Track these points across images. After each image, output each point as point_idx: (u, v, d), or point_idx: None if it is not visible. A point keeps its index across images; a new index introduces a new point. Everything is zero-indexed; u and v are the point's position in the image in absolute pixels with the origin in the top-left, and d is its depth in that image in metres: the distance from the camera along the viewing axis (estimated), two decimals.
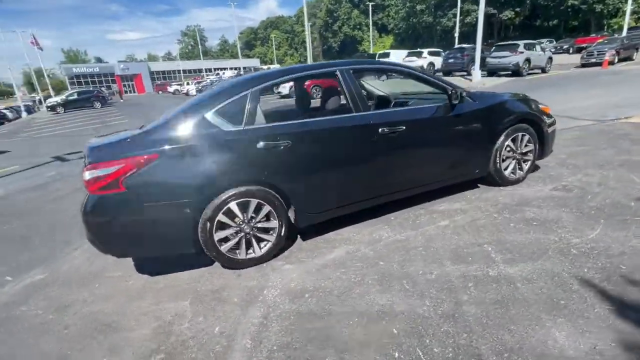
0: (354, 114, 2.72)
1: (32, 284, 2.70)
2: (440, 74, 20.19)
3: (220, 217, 2.35)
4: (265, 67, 48.40)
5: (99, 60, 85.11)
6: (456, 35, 34.11)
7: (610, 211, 2.76)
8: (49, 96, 34.32)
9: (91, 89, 30.17)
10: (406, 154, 2.91)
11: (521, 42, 16.07)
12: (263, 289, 2.28)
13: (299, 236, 2.93)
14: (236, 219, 2.42)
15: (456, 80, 16.00)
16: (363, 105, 2.77)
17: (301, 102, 3.73)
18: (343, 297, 2.11)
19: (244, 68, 43.29)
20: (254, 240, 2.52)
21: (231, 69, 45.23)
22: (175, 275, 2.56)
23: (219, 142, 2.35)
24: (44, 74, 42.91)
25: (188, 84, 36.85)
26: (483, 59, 16.39)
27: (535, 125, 3.42)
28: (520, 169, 3.51)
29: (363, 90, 3.20)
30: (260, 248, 2.56)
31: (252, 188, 2.41)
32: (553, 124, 3.61)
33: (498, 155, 3.29)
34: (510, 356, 1.57)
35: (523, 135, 3.36)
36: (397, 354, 1.66)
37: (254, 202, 2.43)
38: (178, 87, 37.91)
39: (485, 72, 16.53)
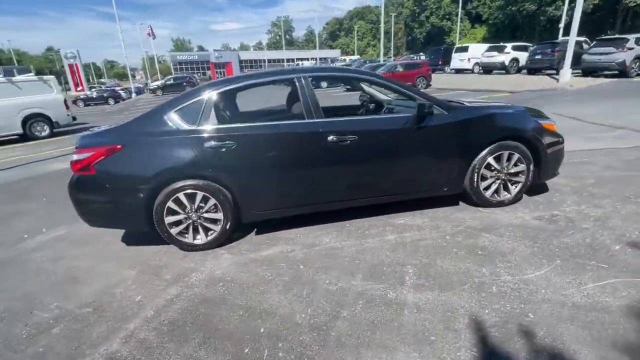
0: (304, 121, 2.82)
1: (53, 238, 3.46)
2: (524, 72, 17.98)
3: (170, 204, 2.72)
4: (346, 58, 48.69)
5: (200, 48, 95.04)
6: (561, 26, 29.51)
7: (577, 252, 2.39)
8: (157, 80, 39.93)
9: (184, 75, 34.14)
10: (358, 164, 2.90)
11: (632, 37, 13.35)
12: (193, 272, 2.60)
13: (256, 230, 3.17)
14: (185, 208, 2.76)
15: (541, 80, 14.15)
16: (316, 112, 2.84)
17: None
18: (246, 291, 2.31)
19: (322, 59, 44.12)
20: (200, 228, 2.85)
21: (311, 59, 46.54)
22: (142, 248, 3.03)
23: (174, 140, 2.70)
24: (155, 60, 49.82)
25: None
26: (579, 56, 14.12)
27: (530, 144, 3.04)
28: (507, 190, 3.18)
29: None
30: (207, 236, 2.87)
31: (199, 182, 2.72)
32: (558, 143, 3.17)
33: (475, 174, 3.03)
34: None
35: (511, 154, 3.03)
36: (247, 350, 1.81)
37: (200, 194, 2.74)
38: None
39: (580, 72, 14.24)
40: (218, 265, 2.67)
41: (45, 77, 11.50)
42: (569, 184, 3.58)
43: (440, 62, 23.06)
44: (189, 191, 2.72)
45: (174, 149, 2.70)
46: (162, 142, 2.70)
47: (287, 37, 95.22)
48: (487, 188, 3.14)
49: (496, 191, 3.17)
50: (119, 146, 2.67)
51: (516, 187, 3.18)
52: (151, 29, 44.60)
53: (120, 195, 2.70)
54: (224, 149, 2.70)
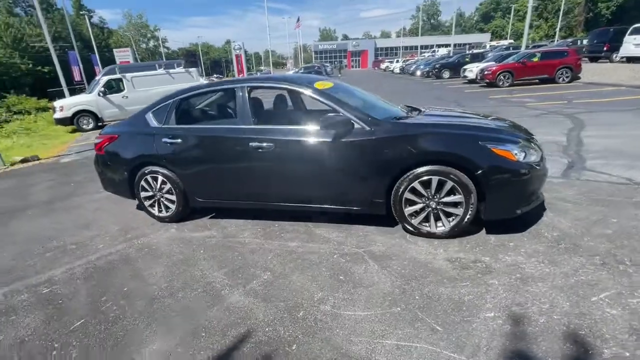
0: (234, 126, 3.18)
1: (104, 196, 4.89)
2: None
3: (142, 183, 3.57)
4: (495, 43, 42.74)
5: (345, 37, 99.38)
6: None
7: (432, 306, 2.03)
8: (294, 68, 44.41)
9: (314, 64, 36.77)
10: (276, 171, 3.08)
11: None
12: (143, 236, 3.40)
13: (213, 214, 3.76)
14: (153, 188, 3.57)
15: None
16: (246, 119, 3.14)
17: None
18: (154, 259, 2.94)
19: (460, 45, 40.00)
20: (163, 205, 3.61)
21: (445, 46, 42.80)
22: (139, 214, 4.03)
23: (146, 134, 3.51)
24: (300, 50, 55.16)
25: (397, 61, 38.31)
26: None
27: (470, 173, 2.57)
28: (441, 222, 2.77)
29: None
30: (167, 212, 3.62)
31: (159, 169, 3.46)
32: (517, 175, 2.56)
33: (397, 197, 2.78)
34: None
35: (442, 181, 2.64)
36: (108, 298, 2.45)
37: (160, 178, 3.48)
38: (389, 64, 40.09)
39: None
40: (161, 235, 3.39)
41: (190, 69, 14.72)
42: (563, 230, 2.78)
43: (605, 48, 17.86)
44: (154, 175, 3.50)
45: (145, 141, 3.50)
46: (138, 134, 3.54)
47: (432, 21, 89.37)
48: (415, 214, 2.82)
49: (427, 220, 2.81)
50: (115, 136, 3.65)
51: (453, 219, 2.73)
52: (299, 20, 49.69)
53: (115, 171, 3.70)
54: (174, 145, 3.35)
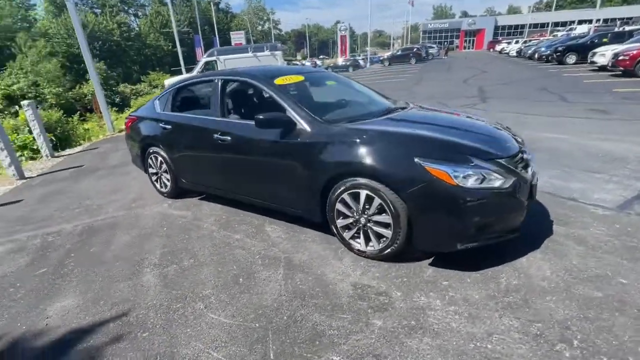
0: (206, 117, 3.35)
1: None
2: None
3: (149, 160, 4.11)
4: None
5: (464, 14, 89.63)
6: None
7: (279, 325, 1.87)
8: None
9: (414, 46, 34.30)
10: (234, 163, 3.15)
11: None
12: (142, 207, 3.95)
13: (202, 196, 4.10)
14: (154, 167, 4.07)
15: None
16: (215, 110, 3.28)
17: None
18: (130, 227, 3.42)
19: (608, 21, 31.91)
20: (162, 181, 4.09)
21: (589, 22, 34.55)
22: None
23: (152, 118, 3.98)
24: (408, 30, 52.20)
25: (516, 42, 33.09)
26: None
27: (398, 192, 2.22)
28: (372, 242, 2.47)
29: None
30: (165, 189, 4.10)
31: (158, 150, 3.92)
32: (460, 202, 2.10)
33: (330, 207, 2.59)
34: None
35: (371, 197, 2.34)
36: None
37: (159, 158, 3.95)
38: (505, 46, 34.88)
39: None
40: (153, 209, 3.89)
41: (275, 52, 15.52)
42: (531, 279, 2.18)
43: None
44: (155, 155, 3.99)
45: (151, 125, 3.99)
46: (147, 118, 4.04)
47: None
48: (348, 228, 2.57)
49: (356, 236, 2.54)
50: (135, 117, 4.25)
51: (383, 241, 2.41)
52: None
53: (134, 148, 4.33)
54: (166, 130, 3.73)
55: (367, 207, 2.39)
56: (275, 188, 2.96)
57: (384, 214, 2.32)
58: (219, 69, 14.67)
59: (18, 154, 7.70)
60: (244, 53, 15.15)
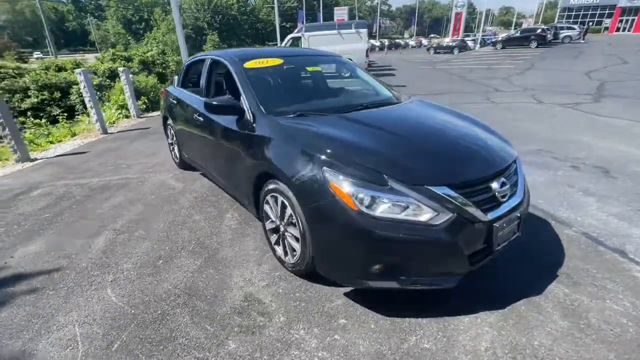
0: (193, 95, 3.39)
1: None
2: None
3: (166, 130, 4.44)
4: None
5: None
6: None
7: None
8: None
9: (540, 27, 28.62)
10: (204, 146, 3.15)
11: None
12: (155, 173, 4.33)
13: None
14: (169, 134, 4.38)
15: None
16: (201, 90, 3.29)
17: None
18: (131, 188, 3.80)
19: None
20: (174, 152, 4.39)
21: None
22: None
23: (169, 92, 4.23)
24: (542, 8, 44.35)
25: None
26: None
27: (302, 205, 1.91)
28: (288, 252, 2.21)
29: None
30: (177, 158, 4.39)
31: (170, 122, 4.19)
32: (359, 232, 1.70)
33: (260, 206, 2.40)
34: None
35: (284, 205, 2.08)
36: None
37: (172, 131, 4.23)
38: None
39: None
40: (161, 176, 4.22)
41: (360, 30, 14.86)
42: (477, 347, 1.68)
43: None
44: (169, 127, 4.28)
45: (167, 98, 4.25)
46: (168, 92, 4.31)
47: None
48: (275, 232, 2.35)
49: (280, 242, 2.29)
50: (164, 90, 4.59)
51: (294, 256, 2.13)
52: None
53: (160, 118, 4.72)
54: (172, 105, 3.94)
55: (283, 214, 2.13)
56: (228, 175, 2.87)
57: (295, 227, 2.03)
58: (302, 46, 14.84)
59: (117, 112, 9.24)
60: (330, 30, 14.92)
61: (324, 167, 1.80)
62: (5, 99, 14.76)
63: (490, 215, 1.77)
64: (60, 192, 3.86)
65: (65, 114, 11.23)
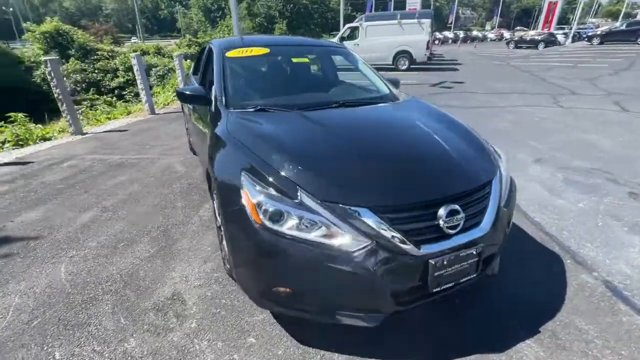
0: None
1: None
2: None
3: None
4: None
5: None
6: None
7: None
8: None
9: None
10: (194, 132, 3.15)
11: None
12: (169, 156, 4.53)
13: None
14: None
15: None
16: (198, 77, 3.28)
17: None
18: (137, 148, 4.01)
19: None
20: (189, 137, 4.53)
21: None
22: None
23: (186, 76, 4.34)
24: None
25: None
26: None
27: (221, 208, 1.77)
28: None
29: None
30: (190, 143, 4.53)
31: (184, 107, 4.31)
32: (261, 248, 1.52)
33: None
34: None
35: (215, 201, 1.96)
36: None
37: (183, 111, 4.35)
38: None
39: None
40: (169, 160, 4.39)
41: (422, 20, 13.86)
42: None
43: None
44: (183, 111, 4.41)
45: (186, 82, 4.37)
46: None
47: None
48: (219, 229, 2.24)
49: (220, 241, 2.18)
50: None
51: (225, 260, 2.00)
52: None
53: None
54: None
55: (216, 214, 2.01)
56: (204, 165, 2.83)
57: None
58: (359, 35, 14.38)
59: (173, 95, 9.95)
60: (390, 20, 14.18)
61: (242, 171, 1.62)
62: (98, 78, 16.73)
63: (424, 250, 1.43)
64: (84, 166, 4.23)
65: (132, 94, 12.48)
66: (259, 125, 1.97)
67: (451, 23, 47.33)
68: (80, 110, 8.70)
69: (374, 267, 1.39)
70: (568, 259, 2.36)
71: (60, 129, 6.55)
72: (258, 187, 1.52)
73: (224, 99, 2.30)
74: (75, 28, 20.80)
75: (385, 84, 2.87)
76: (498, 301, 1.96)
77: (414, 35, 13.66)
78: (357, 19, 16.43)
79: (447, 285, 1.53)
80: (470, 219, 1.56)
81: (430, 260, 1.43)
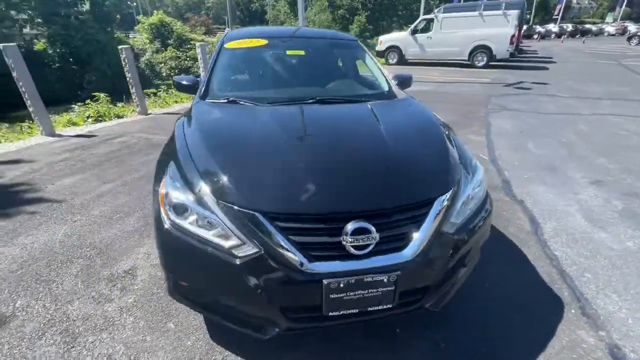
0: None
1: None
2: None
3: None
4: None
5: None
6: None
7: None
8: None
9: None
10: None
11: None
12: None
13: None
14: None
15: None
16: None
17: None
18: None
19: None
20: None
21: None
22: None
23: None
24: None
25: None
26: None
27: None
28: None
29: None
30: None
31: None
32: (168, 239, 1.53)
33: None
34: None
35: None
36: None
37: None
38: None
39: None
40: None
41: (509, 11, 12.29)
42: None
43: None
44: None
45: None
46: None
47: None
48: None
49: None
50: None
51: None
52: None
53: None
54: None
55: None
56: None
57: None
58: (433, 28, 13.43)
59: None
60: (470, 12, 12.91)
61: (171, 161, 1.64)
62: (189, 64, 18.56)
63: (317, 267, 1.28)
64: (130, 142, 4.77)
65: None
66: (212, 116, 1.99)
67: (558, 14, 41.25)
68: (158, 94, 9.80)
69: (260, 276, 1.29)
70: (574, 308, 1.91)
71: (133, 109, 7.48)
72: (171, 179, 1.52)
73: (202, 89, 2.36)
74: (175, 20, 23.40)
75: (387, 82, 2.62)
76: (445, 340, 1.67)
77: (497, 28, 12.24)
78: (435, 10, 15.34)
79: (350, 311, 1.35)
80: (390, 241, 1.34)
81: (323, 280, 1.28)
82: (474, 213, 1.58)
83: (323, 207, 1.34)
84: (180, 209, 1.43)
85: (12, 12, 19.13)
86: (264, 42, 2.76)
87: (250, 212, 1.32)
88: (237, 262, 1.29)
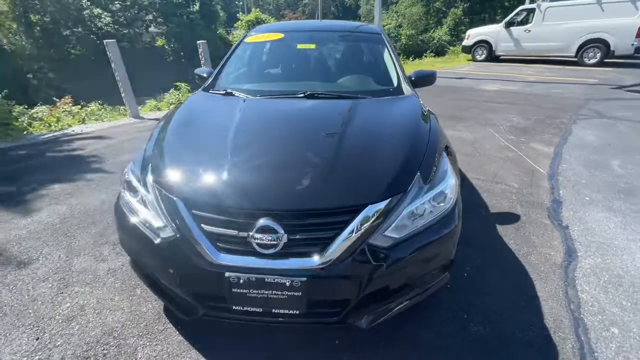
0: None
1: None
2: None
3: None
4: None
5: None
6: None
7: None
8: None
9: None
10: None
11: None
12: None
13: None
14: None
15: None
16: None
17: None
18: None
19: None
20: None
21: None
22: None
23: None
24: None
25: None
26: None
27: None
28: None
29: None
30: None
31: None
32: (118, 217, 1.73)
33: None
34: None
35: None
36: None
37: None
38: None
39: None
40: None
41: None
42: None
43: None
44: None
45: None
46: None
47: None
48: None
49: None
50: None
51: None
52: None
53: None
54: None
55: None
56: None
57: None
58: (534, 20, 11.71)
59: None
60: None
61: (146, 146, 1.81)
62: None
63: (223, 260, 1.28)
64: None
65: None
66: (193, 106, 2.14)
67: None
68: None
69: (173, 259, 1.36)
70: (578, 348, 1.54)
71: None
72: (134, 161, 1.69)
73: (210, 80, 2.51)
74: (270, 17, 25.02)
75: (398, 78, 2.43)
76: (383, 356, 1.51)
77: (619, 17, 10.08)
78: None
79: (254, 309, 1.33)
80: (300, 245, 1.28)
81: (225, 273, 1.28)
82: (428, 230, 1.39)
83: (236, 201, 1.34)
84: (131, 187, 1.58)
85: (142, 14, 22.86)
86: (279, 35, 2.80)
87: (173, 197, 1.39)
88: (157, 241, 1.38)
